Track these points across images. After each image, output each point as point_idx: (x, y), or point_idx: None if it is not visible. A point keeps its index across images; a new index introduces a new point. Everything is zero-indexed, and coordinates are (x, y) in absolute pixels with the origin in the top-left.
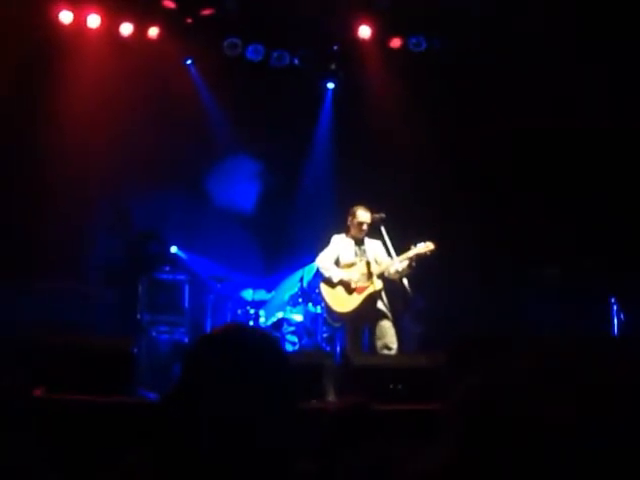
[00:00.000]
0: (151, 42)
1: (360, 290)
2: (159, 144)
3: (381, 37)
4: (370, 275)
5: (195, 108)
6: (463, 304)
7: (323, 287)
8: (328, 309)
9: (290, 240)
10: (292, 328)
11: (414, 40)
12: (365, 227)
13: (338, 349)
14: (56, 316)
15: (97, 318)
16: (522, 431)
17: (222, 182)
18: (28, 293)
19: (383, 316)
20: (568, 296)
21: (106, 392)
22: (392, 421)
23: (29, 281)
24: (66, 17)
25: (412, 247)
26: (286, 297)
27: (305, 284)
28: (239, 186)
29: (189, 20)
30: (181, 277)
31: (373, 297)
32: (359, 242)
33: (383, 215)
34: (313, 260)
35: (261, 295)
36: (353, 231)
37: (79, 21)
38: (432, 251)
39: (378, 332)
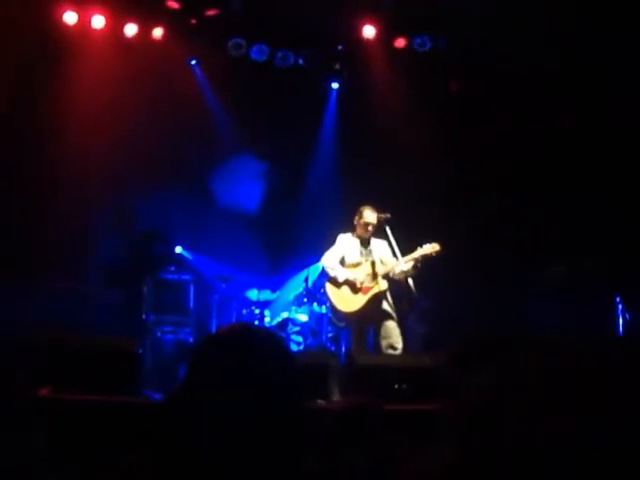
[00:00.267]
0: (155, 43)
1: (365, 290)
2: (163, 144)
3: (385, 37)
4: (375, 275)
5: (199, 108)
6: (467, 304)
7: (328, 287)
8: (333, 309)
9: (295, 240)
10: (297, 328)
11: (419, 40)
12: (371, 228)
13: (343, 349)
14: (60, 316)
15: (100, 318)
16: (524, 431)
17: (227, 182)
18: (32, 293)
19: (388, 316)
20: (573, 296)
21: (111, 392)
22: (397, 421)
23: (32, 281)
24: (70, 18)
25: (418, 248)
26: (291, 297)
27: (310, 284)
28: (244, 186)
29: (193, 21)
30: (186, 277)
31: (378, 297)
32: (365, 242)
33: (388, 215)
34: (318, 260)
35: (266, 295)
36: (359, 231)
37: (83, 22)
38: (438, 252)
39: (383, 332)
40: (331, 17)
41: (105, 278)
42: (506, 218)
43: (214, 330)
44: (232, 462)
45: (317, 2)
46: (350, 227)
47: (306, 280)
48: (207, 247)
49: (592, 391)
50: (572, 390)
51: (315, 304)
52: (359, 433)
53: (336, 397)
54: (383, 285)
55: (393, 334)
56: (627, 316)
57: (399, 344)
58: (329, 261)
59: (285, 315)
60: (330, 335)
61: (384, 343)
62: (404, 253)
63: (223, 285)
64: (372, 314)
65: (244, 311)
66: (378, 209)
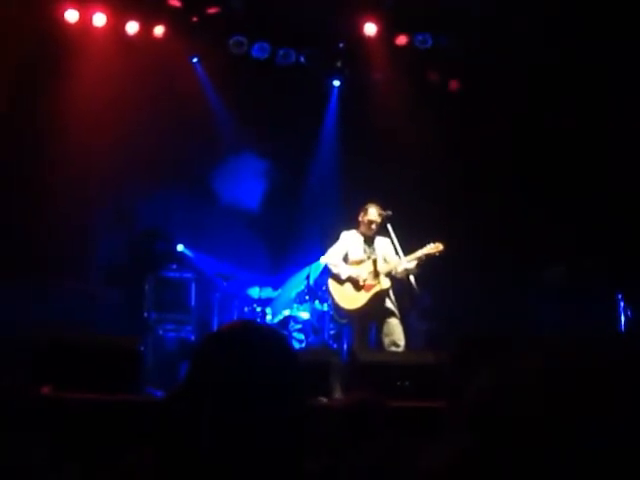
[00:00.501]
0: (157, 41)
1: (368, 288)
2: (165, 142)
3: (387, 34)
4: (377, 273)
5: (201, 106)
6: (468, 302)
7: (331, 283)
8: (335, 306)
9: (296, 238)
10: (299, 326)
11: (420, 37)
12: (374, 226)
13: (345, 346)
14: (61, 316)
15: (102, 317)
16: (528, 431)
17: (228, 180)
18: (32, 293)
19: (391, 314)
20: (574, 295)
21: (113, 390)
22: (399, 418)
23: (33, 281)
24: (72, 16)
25: (422, 247)
26: (293, 295)
27: (312, 282)
28: (245, 184)
29: (195, 18)
30: (187, 275)
31: (380, 295)
32: (369, 239)
33: (390, 213)
34: (319, 258)
35: (268, 293)
36: (363, 228)
37: (85, 20)
38: (441, 252)
39: (386, 329)
40: (332, 15)
41: (106, 277)
42: (507, 217)
43: (216, 328)
44: (233, 461)
45: (318, 0)
46: (352, 224)
47: (308, 278)
48: (209, 245)
49: (592, 391)
50: (572, 390)
51: (317, 302)
52: (361, 431)
53: (338, 395)
54: (385, 283)
55: (396, 331)
56: (629, 313)
57: (402, 341)
58: (332, 258)
59: (287, 313)
60: (332, 333)
61: (387, 340)
62: (404, 251)
63: (225, 283)
64: (374, 311)
65: (246, 309)
66: (381, 207)
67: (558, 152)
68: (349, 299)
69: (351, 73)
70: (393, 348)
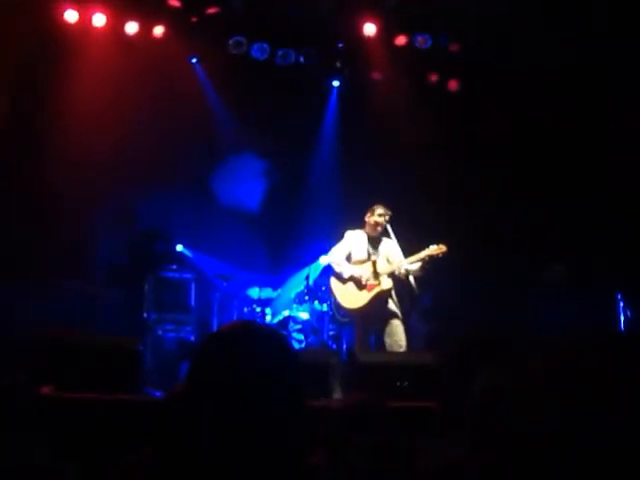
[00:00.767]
0: (156, 41)
1: (370, 287)
2: (164, 143)
3: (386, 35)
4: (376, 274)
5: (200, 107)
6: (469, 302)
7: (333, 281)
8: (336, 304)
9: (296, 238)
10: (298, 326)
11: (419, 37)
12: (380, 228)
13: (344, 347)
14: (61, 316)
15: (102, 318)
16: (528, 431)
17: (227, 180)
18: (33, 293)
19: (394, 315)
20: (574, 295)
21: (112, 390)
22: (398, 418)
23: (33, 281)
24: (71, 16)
25: (425, 248)
26: (292, 295)
27: (311, 282)
28: (244, 184)
29: (194, 19)
30: (187, 275)
31: (382, 296)
32: (374, 240)
33: (389, 213)
34: (319, 258)
35: (267, 293)
36: (368, 228)
37: (84, 20)
38: (444, 253)
39: (388, 330)
40: (332, 15)
41: (106, 277)
42: (506, 217)
43: (215, 328)
44: (233, 461)
45: (318, 0)
46: (353, 224)
47: (307, 278)
48: (208, 245)
49: (592, 391)
50: (572, 390)
51: (316, 302)
52: (361, 431)
53: (337, 395)
54: (386, 284)
55: (398, 333)
56: (628, 313)
57: (403, 342)
58: (335, 256)
59: (286, 313)
60: (331, 333)
61: (388, 341)
62: (403, 251)
63: (224, 283)
64: (376, 312)
65: (245, 309)
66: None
67: (558, 152)
68: (350, 298)
69: (350, 73)
70: (395, 349)
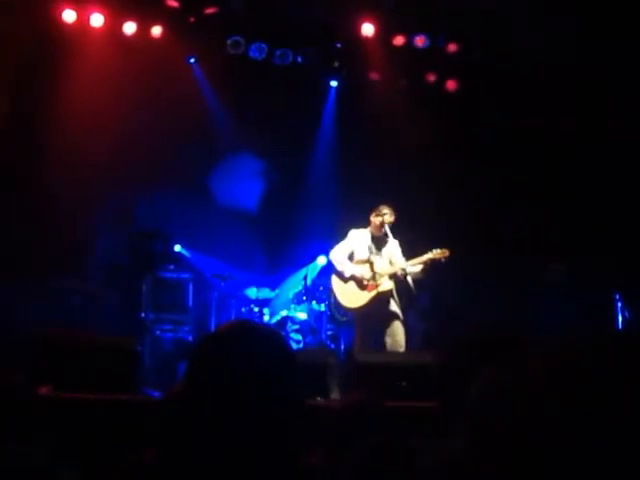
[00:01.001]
0: (154, 41)
1: (370, 288)
2: (162, 143)
3: (384, 35)
4: (378, 275)
5: (198, 107)
6: (467, 302)
7: (334, 280)
8: (336, 302)
9: (294, 238)
10: (296, 326)
11: (417, 37)
12: (384, 230)
13: (342, 347)
14: (59, 315)
15: (101, 318)
16: (529, 431)
17: (225, 180)
18: (31, 293)
19: (395, 316)
20: (573, 294)
21: (110, 390)
22: (397, 418)
23: (32, 281)
24: (69, 16)
25: (428, 252)
26: (290, 295)
27: (309, 282)
28: (242, 184)
29: (192, 19)
30: (185, 275)
31: (383, 297)
32: (378, 239)
33: (394, 214)
34: (317, 258)
35: (265, 293)
36: (373, 228)
37: (82, 20)
38: (447, 257)
39: (389, 330)
40: (330, 15)
41: (105, 277)
42: (505, 217)
43: (213, 328)
44: (230, 461)
45: (316, 0)
46: (351, 224)
47: (305, 278)
48: (206, 245)
49: (592, 391)
50: (572, 390)
51: (314, 302)
52: (359, 431)
53: (335, 395)
54: (387, 285)
55: (398, 333)
56: (626, 313)
57: (403, 342)
58: (338, 255)
59: (284, 313)
60: (329, 333)
61: (389, 341)
62: (408, 256)
63: (222, 283)
64: (376, 312)
65: (243, 309)
66: (371, 207)
67: (557, 152)
68: (351, 297)
69: (348, 73)
70: (395, 349)
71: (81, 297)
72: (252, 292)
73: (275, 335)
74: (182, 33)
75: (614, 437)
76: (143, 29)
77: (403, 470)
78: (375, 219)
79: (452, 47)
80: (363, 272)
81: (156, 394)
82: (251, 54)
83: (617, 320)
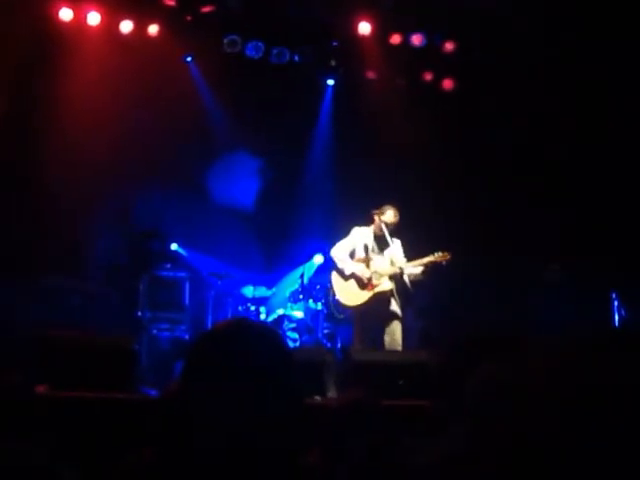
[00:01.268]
0: (151, 39)
1: (370, 287)
2: (159, 141)
3: (381, 33)
4: (373, 274)
5: (195, 105)
6: (465, 301)
7: (334, 276)
8: (334, 299)
9: (290, 237)
10: (293, 325)
11: (414, 36)
12: (387, 230)
13: (339, 345)
14: (57, 315)
15: (96, 316)
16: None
17: (222, 179)
18: (29, 292)
19: (395, 316)
20: (570, 294)
21: (108, 389)
22: (393, 416)
23: (30, 280)
24: (66, 14)
25: (429, 255)
26: (287, 294)
27: (306, 280)
28: (239, 183)
29: (189, 17)
30: (182, 274)
31: (382, 296)
32: (380, 239)
33: (398, 215)
34: (313, 256)
35: (262, 292)
36: (376, 227)
37: (79, 18)
38: (448, 261)
39: (388, 329)
40: (327, 14)
41: (103, 276)
42: (503, 217)
43: (210, 326)
44: (228, 459)
45: None
46: (347, 222)
47: (302, 277)
48: (203, 244)
49: (592, 391)
50: (572, 390)
51: (311, 301)
52: (356, 429)
53: (332, 393)
54: (386, 285)
55: (397, 332)
56: (623, 312)
57: (400, 341)
58: (339, 252)
59: (281, 312)
60: (326, 332)
61: (388, 339)
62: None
63: (219, 282)
64: (375, 312)
65: (240, 308)
66: (373, 206)
67: (555, 152)
68: (350, 295)
69: (345, 72)
70: (394, 348)
71: (80, 297)
72: (249, 291)
73: (272, 333)
74: (179, 32)
75: (614, 436)
76: (140, 28)
77: (400, 468)
78: (379, 218)
79: (449, 46)
80: (363, 271)
81: (153, 393)
82: (248, 53)
83: (614, 319)
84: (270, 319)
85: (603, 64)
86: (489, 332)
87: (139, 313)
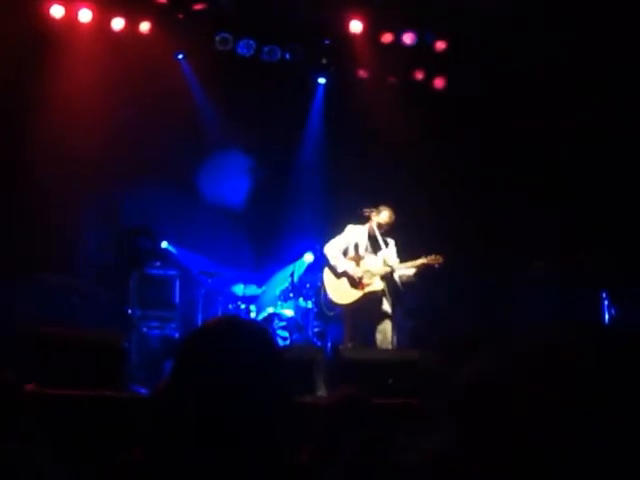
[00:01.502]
0: (143, 37)
1: (362, 286)
2: (150, 139)
3: (372, 32)
4: (364, 273)
5: (186, 103)
6: (455, 300)
7: (326, 273)
8: (325, 296)
9: (281, 235)
10: (283, 323)
11: (405, 35)
12: (382, 230)
13: (329, 344)
14: (49, 313)
15: (86, 314)
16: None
17: (213, 177)
18: (20, 290)
19: (386, 316)
20: (560, 293)
21: (97, 387)
22: (384, 415)
23: (20, 278)
24: (57, 11)
25: (422, 257)
26: (277, 292)
27: (296, 279)
28: (230, 181)
29: (180, 15)
30: (172, 272)
31: (373, 296)
32: (373, 238)
33: (393, 217)
34: (304, 255)
35: (252, 290)
36: (370, 227)
37: (70, 16)
38: (440, 264)
39: (380, 327)
40: (318, 12)
41: (92, 274)
42: (493, 216)
43: (200, 325)
44: (219, 458)
45: None
46: (340, 221)
47: (292, 275)
48: (193, 242)
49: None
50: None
51: (301, 299)
52: (348, 427)
53: (322, 392)
54: (377, 285)
55: (388, 330)
56: (613, 311)
57: (390, 340)
58: (332, 250)
59: (271, 310)
60: (316, 330)
61: (379, 337)
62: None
63: (209, 280)
64: (366, 310)
65: (230, 306)
66: (364, 205)
67: (545, 152)
68: (341, 293)
69: (336, 70)
70: (384, 346)
71: (71, 295)
72: (239, 289)
73: (262, 330)
74: (170, 29)
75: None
76: (131, 25)
77: (393, 466)
78: (374, 217)
79: (440, 45)
80: (355, 269)
81: (143, 391)
82: (239, 50)
83: (604, 318)
84: (260, 317)
85: (603, 64)
86: (476, 332)
87: (129, 311)
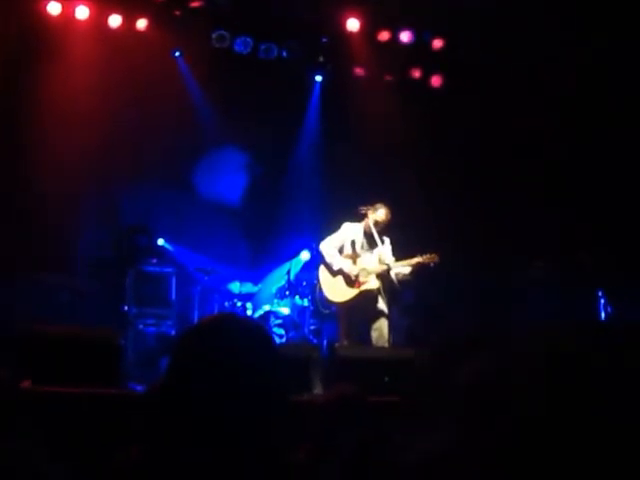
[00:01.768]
0: (140, 34)
1: (358, 284)
2: (146, 136)
3: (369, 30)
4: (360, 272)
5: (183, 100)
6: (451, 298)
7: (322, 271)
8: (321, 294)
9: (277, 233)
10: (279, 321)
11: (402, 33)
12: (377, 228)
13: (325, 342)
14: (45, 310)
15: (85, 312)
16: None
17: (209, 174)
18: (18, 287)
19: (382, 314)
20: (556, 291)
21: (94, 384)
22: (379, 413)
23: (18, 276)
24: (54, 8)
25: (417, 256)
26: (273, 290)
27: (292, 277)
28: (226, 178)
29: (178, 12)
30: (168, 270)
31: (368, 294)
32: (369, 236)
33: (389, 215)
34: (300, 252)
35: (248, 288)
36: (366, 225)
37: (67, 12)
38: (436, 263)
39: (375, 325)
40: (315, 10)
41: (89, 271)
42: (491, 215)
43: (196, 322)
44: (215, 456)
45: None
46: (336, 219)
47: (288, 273)
48: (189, 239)
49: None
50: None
51: (297, 297)
52: (345, 425)
53: (318, 390)
54: (373, 284)
55: (384, 328)
56: (609, 310)
57: (386, 338)
58: (328, 247)
59: (267, 308)
60: (312, 328)
61: (375, 335)
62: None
63: (205, 278)
64: (362, 308)
65: (226, 304)
66: (360, 203)
67: (542, 151)
68: (337, 291)
69: (333, 68)
70: (380, 344)
71: (68, 292)
72: (235, 286)
73: (258, 328)
74: (167, 26)
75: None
76: (128, 22)
77: (390, 466)
78: (370, 215)
79: (437, 43)
80: (351, 267)
81: (140, 388)
82: (236, 48)
83: (600, 316)
84: (256, 315)
85: (602, 63)
86: (473, 331)
87: (125, 308)
